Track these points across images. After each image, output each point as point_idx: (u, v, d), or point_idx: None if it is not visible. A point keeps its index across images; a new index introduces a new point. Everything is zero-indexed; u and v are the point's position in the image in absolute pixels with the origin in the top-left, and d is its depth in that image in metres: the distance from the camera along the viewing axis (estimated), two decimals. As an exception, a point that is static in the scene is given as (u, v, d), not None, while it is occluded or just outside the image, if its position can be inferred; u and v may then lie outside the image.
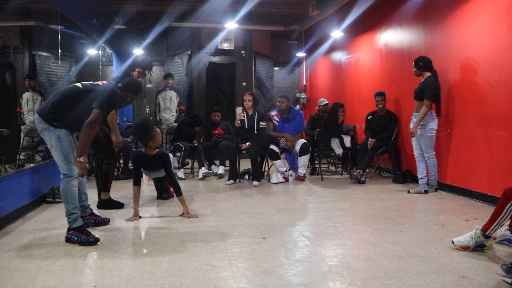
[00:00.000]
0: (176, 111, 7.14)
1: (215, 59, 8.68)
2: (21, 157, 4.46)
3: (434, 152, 4.57)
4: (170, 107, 7.11)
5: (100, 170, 3.98)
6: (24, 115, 4.48)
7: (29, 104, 4.49)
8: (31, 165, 4.32)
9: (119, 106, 3.24)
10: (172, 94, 7.14)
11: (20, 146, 4.44)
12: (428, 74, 4.52)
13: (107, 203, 3.98)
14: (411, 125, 4.66)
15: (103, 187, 3.97)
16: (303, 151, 5.60)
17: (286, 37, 9.53)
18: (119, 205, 4.04)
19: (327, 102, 6.64)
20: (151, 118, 9.48)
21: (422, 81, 4.56)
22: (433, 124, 4.50)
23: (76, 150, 2.92)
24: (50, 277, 2.31)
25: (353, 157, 6.02)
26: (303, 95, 9.71)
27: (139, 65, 3.77)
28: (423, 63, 4.53)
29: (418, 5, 5.21)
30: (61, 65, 5.15)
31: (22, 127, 4.48)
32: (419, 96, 4.54)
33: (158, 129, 3.73)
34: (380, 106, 5.63)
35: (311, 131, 6.34)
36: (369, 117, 5.83)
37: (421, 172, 4.66)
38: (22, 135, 4.48)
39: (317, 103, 6.83)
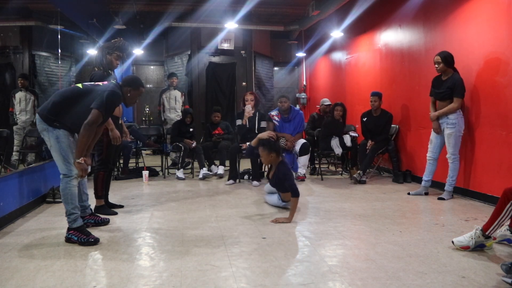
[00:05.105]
0: (182, 111, 7.02)
1: (215, 59, 8.68)
2: (15, 158, 4.39)
3: (459, 155, 4.29)
4: (175, 106, 7.08)
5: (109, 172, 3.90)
6: (16, 114, 4.40)
7: (22, 104, 4.42)
8: (32, 165, 4.32)
9: (127, 105, 3.18)
10: (177, 93, 7.13)
11: (14, 147, 4.36)
12: (452, 71, 4.22)
13: (99, 210, 3.69)
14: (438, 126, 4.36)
15: (94, 194, 3.77)
16: (303, 151, 5.60)
17: (286, 37, 9.54)
18: (112, 212, 3.76)
19: (329, 103, 6.63)
20: (151, 119, 9.57)
21: (445, 79, 4.23)
22: (463, 124, 4.21)
23: (75, 151, 2.92)
24: (50, 277, 2.31)
25: (353, 157, 6.02)
26: (303, 95, 9.72)
27: (118, 48, 3.62)
28: (451, 60, 4.18)
29: (418, 5, 5.21)
30: (61, 65, 5.15)
31: (14, 127, 4.39)
32: (447, 95, 4.20)
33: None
34: (373, 106, 5.61)
35: (311, 131, 6.35)
36: (364, 119, 5.77)
37: (427, 175, 4.50)
38: (17, 136, 4.39)
39: (320, 102, 6.83)
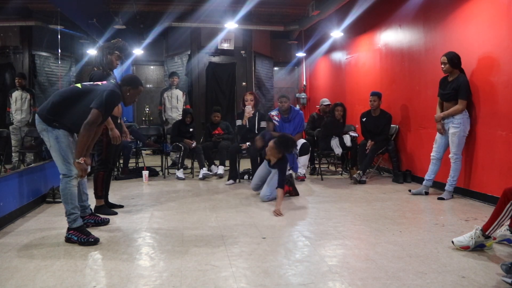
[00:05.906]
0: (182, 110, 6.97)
1: (215, 59, 8.67)
2: (15, 159, 4.38)
3: (461, 155, 4.30)
4: (177, 106, 7.02)
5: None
6: (12, 114, 4.39)
7: (18, 103, 4.41)
8: (32, 165, 4.32)
9: (126, 104, 3.18)
10: (178, 93, 7.07)
11: (12, 147, 4.37)
12: (458, 72, 4.20)
13: (99, 210, 3.69)
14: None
15: (94, 194, 3.77)
16: (303, 151, 5.60)
17: (286, 37, 9.54)
18: (112, 212, 3.76)
19: (329, 103, 6.63)
20: (151, 118, 9.57)
21: (451, 79, 4.22)
22: (468, 125, 4.21)
23: (75, 151, 2.92)
24: (50, 277, 2.31)
25: (353, 157, 6.02)
26: (303, 95, 9.72)
27: (118, 48, 3.64)
28: (458, 61, 4.15)
29: (418, 5, 5.21)
30: (61, 65, 5.15)
31: (10, 127, 4.38)
32: (452, 96, 4.19)
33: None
34: (373, 106, 5.60)
35: (311, 131, 6.35)
36: (363, 119, 5.77)
37: (430, 175, 4.49)
38: (13, 136, 4.39)
39: (320, 102, 6.84)
